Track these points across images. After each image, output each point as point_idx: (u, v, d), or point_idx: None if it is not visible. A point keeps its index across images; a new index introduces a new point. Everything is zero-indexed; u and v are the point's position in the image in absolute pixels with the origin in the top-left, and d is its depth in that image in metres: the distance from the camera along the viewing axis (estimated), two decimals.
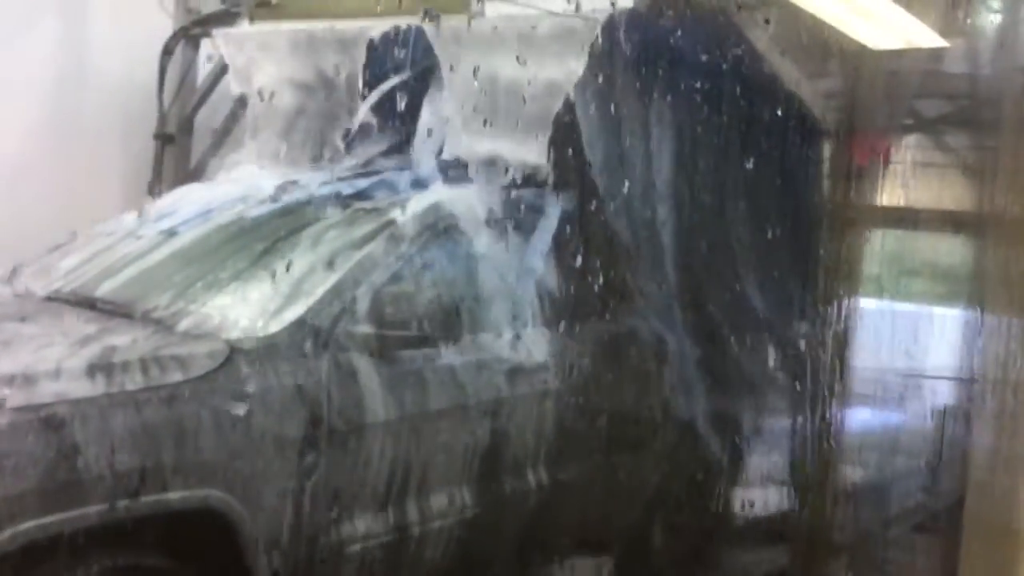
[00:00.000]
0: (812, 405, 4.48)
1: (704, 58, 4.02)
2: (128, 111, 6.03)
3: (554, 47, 4.19)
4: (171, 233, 3.94)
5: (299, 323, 3.21)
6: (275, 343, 3.12)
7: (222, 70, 5.74)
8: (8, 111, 5.44)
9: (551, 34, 4.19)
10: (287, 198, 4.05)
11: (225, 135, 5.93)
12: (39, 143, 5.62)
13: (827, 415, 4.42)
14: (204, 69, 6.01)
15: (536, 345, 3.91)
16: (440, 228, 3.81)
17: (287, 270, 3.45)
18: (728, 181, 4.30)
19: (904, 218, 5.26)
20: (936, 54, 4.08)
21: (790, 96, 4.23)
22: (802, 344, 4.83)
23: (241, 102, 5.54)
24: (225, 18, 5.65)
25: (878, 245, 4.56)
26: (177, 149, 6.03)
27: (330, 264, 3.46)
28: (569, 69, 4.09)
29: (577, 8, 4.03)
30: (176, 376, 2.84)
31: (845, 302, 4.34)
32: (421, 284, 3.61)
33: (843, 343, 4.36)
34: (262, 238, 3.73)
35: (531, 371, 3.85)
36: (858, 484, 4.89)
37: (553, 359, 3.93)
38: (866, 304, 4.55)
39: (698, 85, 4.00)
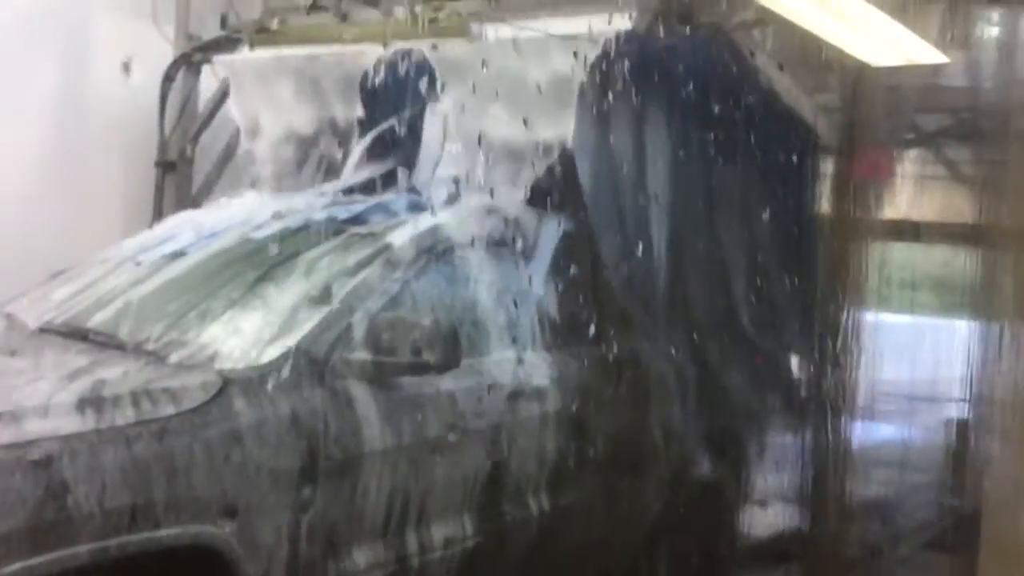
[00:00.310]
0: (818, 422, 4.43)
1: (702, 78, 4.00)
2: (130, 139, 6.05)
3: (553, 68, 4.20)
4: (164, 262, 3.89)
5: (294, 352, 3.15)
6: (269, 373, 3.06)
7: (223, 97, 5.75)
8: (11, 140, 5.46)
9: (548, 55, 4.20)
10: (282, 224, 4.01)
11: (226, 161, 5.94)
12: (42, 171, 5.64)
13: (834, 431, 4.37)
14: (205, 96, 6.03)
15: (537, 369, 3.88)
16: (438, 252, 3.77)
17: (281, 298, 3.41)
18: (728, 200, 4.26)
19: (906, 231, 5.22)
20: (936, 69, 4.05)
21: (790, 113, 4.20)
22: (807, 360, 4.79)
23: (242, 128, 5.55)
24: (226, 44, 5.66)
25: (879, 257, 4.52)
26: (179, 176, 6.04)
27: (325, 291, 3.41)
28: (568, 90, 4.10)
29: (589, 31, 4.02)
30: (168, 409, 2.78)
31: (849, 316, 4.30)
32: (419, 309, 3.55)
33: (848, 357, 4.33)
34: (256, 265, 3.67)
35: (532, 395, 3.81)
36: (868, 501, 4.84)
37: (554, 383, 3.88)
38: (870, 317, 4.51)
39: (697, 105, 3.97)
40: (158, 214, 5.81)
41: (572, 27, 4.27)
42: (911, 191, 4.84)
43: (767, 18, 3.94)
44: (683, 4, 4.19)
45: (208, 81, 5.94)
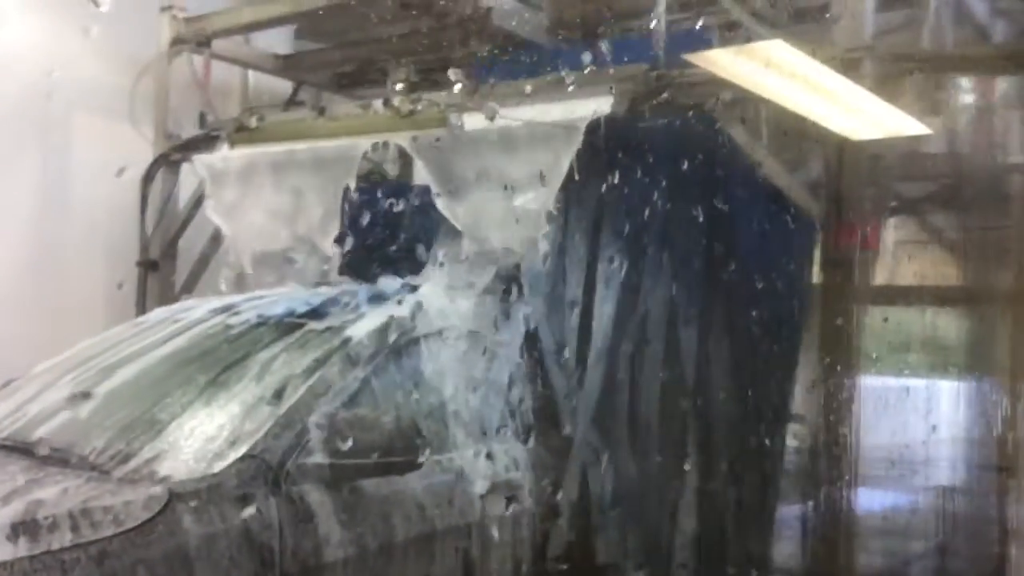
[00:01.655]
0: (817, 491, 4.38)
1: (685, 160, 4.02)
2: (111, 239, 6.02)
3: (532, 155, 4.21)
4: (112, 369, 3.70)
5: (245, 460, 2.99)
6: (219, 484, 2.90)
7: (203, 195, 5.74)
8: None
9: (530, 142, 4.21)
10: (236, 322, 3.86)
11: (209, 259, 5.90)
12: (23, 272, 5.61)
13: (833, 499, 4.32)
14: (185, 195, 6.01)
15: (508, 461, 3.74)
16: (399, 345, 3.62)
17: (233, 402, 3.26)
18: (713, 277, 4.26)
19: (894, 296, 5.25)
20: (917, 140, 4.09)
21: (774, 190, 4.22)
22: (801, 430, 4.75)
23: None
24: (205, 143, 5.66)
25: (871, 324, 4.52)
26: (161, 275, 6.00)
27: (278, 393, 3.26)
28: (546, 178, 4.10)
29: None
30: (108, 530, 2.61)
31: (843, 383, 4.28)
32: (379, 406, 3.40)
33: (844, 423, 4.29)
34: (206, 369, 3.51)
35: (504, 490, 3.66)
36: (874, 568, 4.78)
37: (527, 475, 3.75)
38: (865, 382, 4.49)
39: (678, 186, 3.98)
40: (141, 313, 5.76)
41: (552, 113, 4.31)
42: (896, 258, 4.87)
43: (747, 96, 3.96)
44: (661, 86, 4.23)
45: (188, 179, 5.94)
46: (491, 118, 4.11)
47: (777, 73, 3.51)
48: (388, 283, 4.11)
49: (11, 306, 5.45)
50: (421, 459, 3.27)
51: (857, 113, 3.80)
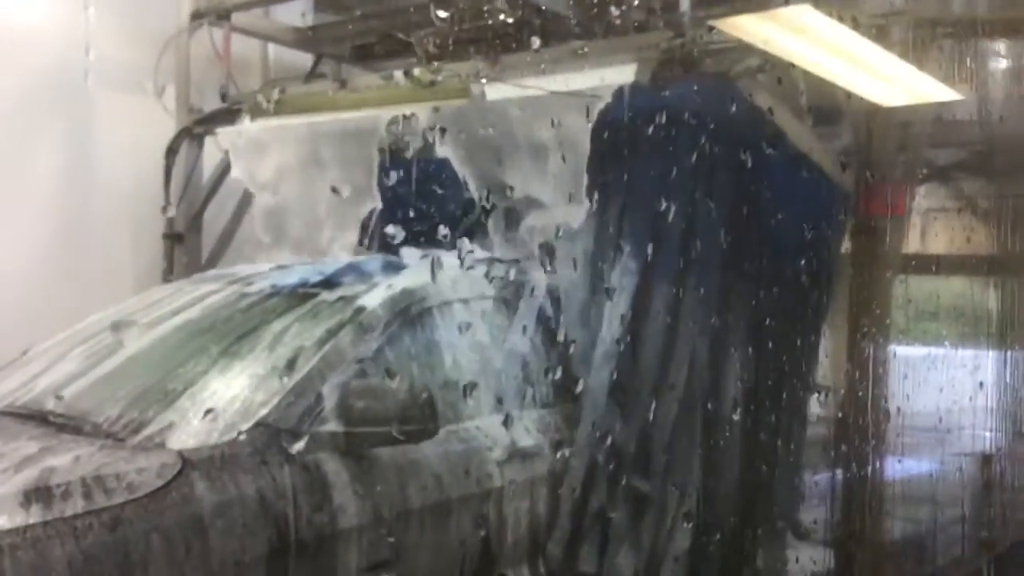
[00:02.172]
0: (849, 460, 4.35)
1: (711, 128, 3.95)
2: (137, 213, 6.05)
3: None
4: (129, 337, 3.67)
5: (259, 428, 2.99)
6: (233, 452, 2.89)
7: (226, 168, 5.75)
8: (19, 219, 5.49)
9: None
10: (250, 292, 3.85)
11: (234, 231, 5.92)
12: (51, 250, 5.65)
13: (865, 468, 4.29)
14: (209, 167, 6.02)
15: (526, 429, 3.72)
16: (413, 314, 3.60)
17: (247, 371, 3.26)
18: (742, 248, 4.20)
19: (924, 264, 5.18)
20: (947, 105, 4.02)
21: (802, 158, 4.15)
22: (830, 399, 4.71)
23: (246, 198, 5.54)
24: (227, 116, 5.66)
25: (901, 292, 4.47)
26: (188, 248, 6.03)
27: (292, 361, 3.25)
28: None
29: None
30: (121, 497, 2.60)
31: (873, 350, 4.24)
32: (394, 375, 3.37)
33: (876, 391, 4.26)
34: (221, 338, 3.51)
35: (522, 458, 3.64)
36: (902, 537, 4.75)
37: (546, 443, 3.74)
38: (893, 350, 4.45)
39: (707, 156, 3.92)
40: None
41: (574, 83, 4.26)
42: (927, 226, 4.80)
43: (774, 63, 3.90)
44: (687, 53, 4.17)
45: (212, 151, 5.95)
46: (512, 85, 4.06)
47: (805, 39, 3.44)
48: (408, 253, 4.09)
49: (39, 280, 5.50)
50: (434, 428, 3.24)
51: (887, 79, 3.73)
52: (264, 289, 3.85)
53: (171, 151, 5.94)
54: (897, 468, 4.51)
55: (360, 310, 3.50)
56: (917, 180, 4.43)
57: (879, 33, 3.60)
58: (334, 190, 4.88)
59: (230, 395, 3.16)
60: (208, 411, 3.07)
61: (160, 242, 6.02)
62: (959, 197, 5.11)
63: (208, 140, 5.88)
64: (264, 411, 3.05)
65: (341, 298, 3.61)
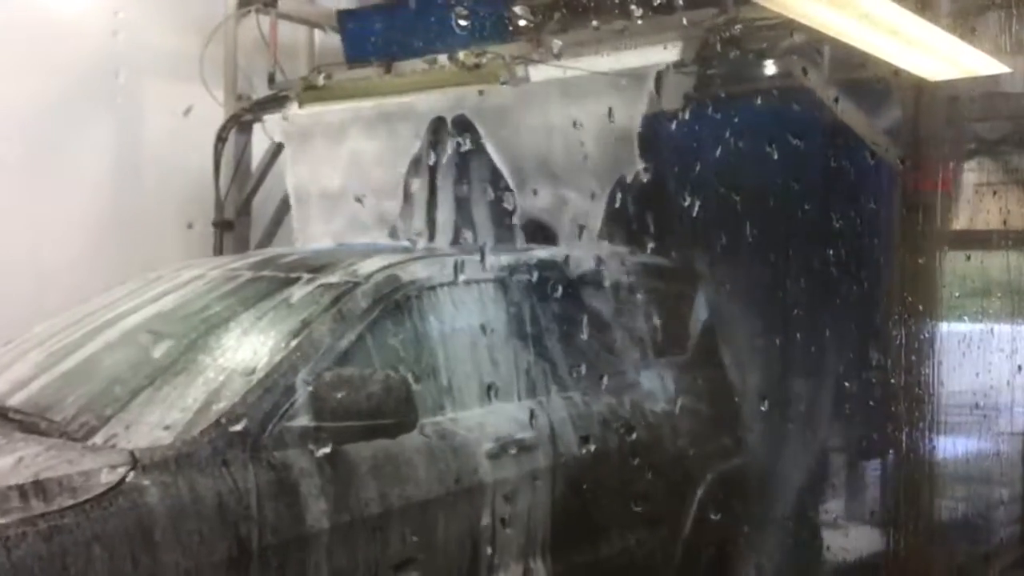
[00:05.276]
0: (898, 437, 4.33)
1: (756, 107, 3.95)
2: (187, 200, 6.14)
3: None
4: (98, 331, 3.48)
5: (220, 425, 2.76)
6: (190, 451, 2.66)
7: (275, 154, 5.82)
8: (69, 209, 5.58)
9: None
10: (223, 277, 3.68)
11: (283, 217, 5.99)
12: (101, 237, 5.73)
13: (915, 446, 4.27)
14: (258, 154, 6.10)
15: (517, 421, 3.51)
16: (397, 300, 3.38)
17: (215, 364, 3.06)
18: (792, 228, 4.19)
19: (974, 239, 5.13)
20: (995, 78, 3.97)
21: (850, 136, 4.13)
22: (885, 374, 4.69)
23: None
24: (275, 103, 5.73)
25: (950, 268, 4.43)
26: (237, 234, 6.11)
27: (260, 354, 3.05)
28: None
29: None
30: (61, 502, 2.37)
31: (924, 327, 4.21)
32: (374, 365, 3.15)
33: (925, 368, 4.23)
34: (191, 329, 3.29)
35: (514, 451, 3.43)
36: (951, 518, 4.72)
37: (540, 434, 3.53)
38: (945, 327, 4.42)
39: (752, 137, 3.92)
40: None
41: (619, 63, 4.27)
42: (978, 200, 4.75)
43: (818, 40, 3.87)
44: (731, 32, 4.15)
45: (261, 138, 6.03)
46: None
47: (850, 14, 3.42)
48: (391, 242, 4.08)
49: (90, 269, 5.57)
50: (413, 421, 3.02)
51: (933, 53, 3.69)
52: (242, 277, 3.65)
53: (220, 139, 6.02)
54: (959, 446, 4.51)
55: (338, 298, 3.30)
56: (965, 155, 4.39)
57: (923, 5, 3.56)
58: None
59: (192, 390, 2.94)
60: (166, 408, 2.87)
61: (210, 229, 6.11)
62: (1008, 171, 5.04)
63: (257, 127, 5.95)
64: (226, 407, 2.83)
65: (323, 284, 3.41)
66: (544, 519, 3.47)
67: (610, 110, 4.12)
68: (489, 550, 3.31)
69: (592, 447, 3.63)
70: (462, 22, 4.45)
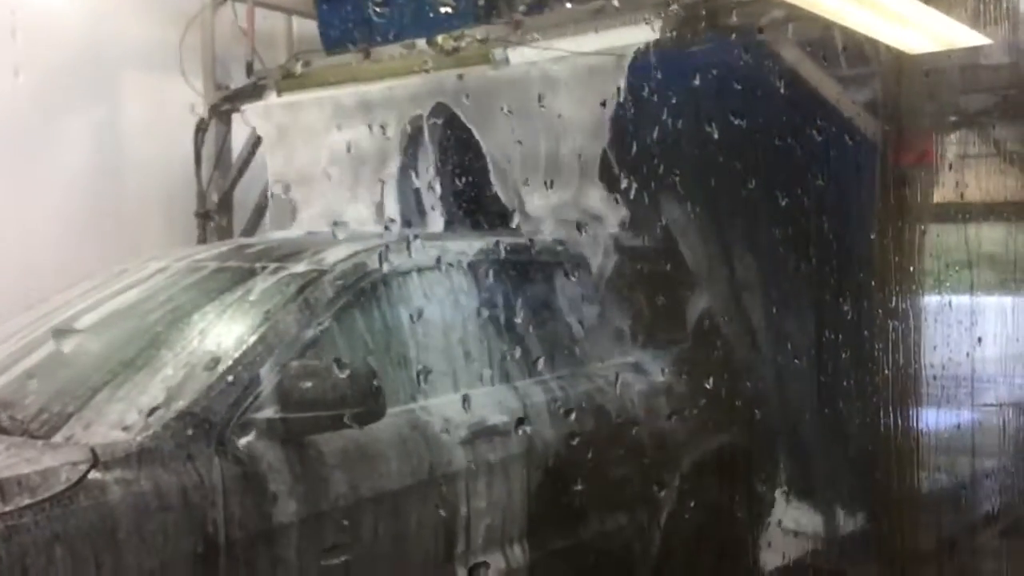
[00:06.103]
0: (880, 409, 4.34)
1: (736, 84, 3.92)
2: (168, 191, 6.10)
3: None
4: (69, 323, 3.42)
5: (185, 418, 2.71)
6: (153, 446, 2.60)
7: (255, 144, 5.78)
8: (49, 201, 5.52)
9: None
10: (187, 269, 3.61)
11: (265, 207, 5.96)
12: (82, 231, 5.68)
13: (898, 418, 4.28)
14: (238, 144, 6.06)
15: (489, 407, 3.46)
16: (365, 287, 3.33)
17: (178, 356, 3.00)
18: (772, 205, 4.18)
19: (955, 212, 5.13)
20: (975, 50, 3.96)
21: (830, 110, 4.11)
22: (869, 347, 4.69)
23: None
24: (253, 92, 5.69)
25: (932, 240, 4.44)
26: (219, 225, 6.08)
27: (225, 345, 3.01)
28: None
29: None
30: (18, 501, 2.30)
31: (907, 300, 4.23)
32: (341, 355, 3.08)
33: (908, 341, 4.24)
34: (155, 322, 3.23)
35: (487, 438, 3.39)
36: (937, 490, 4.73)
37: (512, 421, 3.46)
38: (928, 300, 4.43)
39: (732, 113, 3.90)
40: None
41: (597, 43, 4.25)
42: (959, 173, 4.74)
43: (798, 15, 3.86)
44: (709, 9, 4.13)
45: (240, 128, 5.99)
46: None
47: None
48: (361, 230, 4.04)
49: (71, 261, 5.50)
50: (380, 410, 2.96)
51: (913, 26, 3.68)
52: (207, 268, 3.60)
53: (200, 129, 5.98)
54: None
55: (304, 286, 3.24)
56: (946, 127, 4.38)
57: None
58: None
59: (155, 383, 2.90)
60: (129, 403, 2.82)
61: (192, 220, 6.08)
62: (990, 143, 5.04)
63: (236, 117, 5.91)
64: (191, 398, 2.79)
65: (288, 274, 3.36)
66: (520, 506, 3.45)
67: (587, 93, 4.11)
68: (464, 538, 3.28)
69: (567, 432, 3.59)
70: (443, 8, 4.43)
